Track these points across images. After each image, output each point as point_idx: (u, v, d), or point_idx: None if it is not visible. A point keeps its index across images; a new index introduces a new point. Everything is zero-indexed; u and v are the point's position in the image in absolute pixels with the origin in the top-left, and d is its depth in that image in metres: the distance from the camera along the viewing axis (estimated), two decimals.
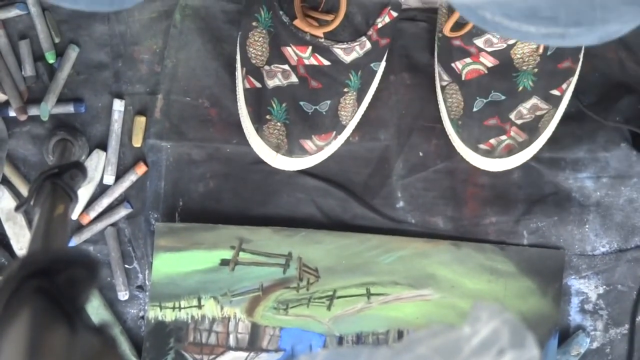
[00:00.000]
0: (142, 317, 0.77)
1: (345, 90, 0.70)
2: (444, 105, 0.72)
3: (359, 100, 0.72)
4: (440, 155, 0.75)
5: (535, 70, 0.69)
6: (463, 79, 0.70)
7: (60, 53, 0.76)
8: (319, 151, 0.72)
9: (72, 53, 0.76)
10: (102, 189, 0.77)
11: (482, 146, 0.70)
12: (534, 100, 0.69)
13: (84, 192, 0.76)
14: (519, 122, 0.69)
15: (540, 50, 0.68)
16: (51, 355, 0.37)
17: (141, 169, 0.76)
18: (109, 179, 0.77)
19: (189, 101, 0.76)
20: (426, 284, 0.74)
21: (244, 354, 0.75)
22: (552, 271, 0.74)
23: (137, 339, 0.77)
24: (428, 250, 0.74)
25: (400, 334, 0.74)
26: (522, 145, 0.70)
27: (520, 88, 0.69)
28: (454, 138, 0.72)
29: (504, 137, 0.70)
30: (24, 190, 0.76)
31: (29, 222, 0.77)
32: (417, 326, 0.74)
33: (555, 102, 0.70)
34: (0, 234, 0.77)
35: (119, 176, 0.77)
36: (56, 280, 0.42)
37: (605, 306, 0.75)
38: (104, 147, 0.77)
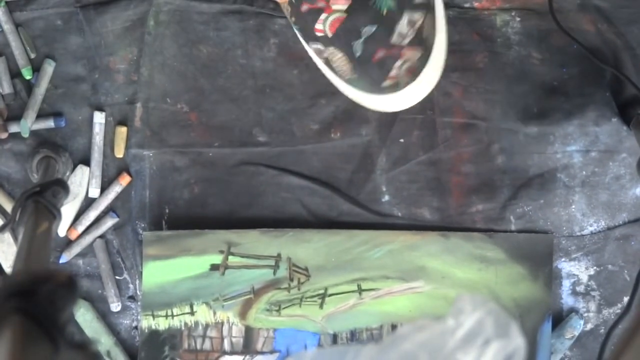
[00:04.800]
0: (136, 327, 0.77)
1: None
2: (335, 75, 0.69)
3: None
4: (422, 146, 0.75)
5: None
6: (330, 35, 0.66)
7: (36, 68, 0.76)
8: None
9: (49, 67, 0.76)
10: (88, 203, 0.77)
11: (385, 84, 0.66)
12: (406, 16, 0.65)
13: (71, 208, 0.76)
14: (405, 42, 0.65)
15: None
16: None
17: (125, 180, 0.76)
18: (94, 192, 0.77)
19: (168, 107, 0.76)
20: (417, 277, 0.74)
21: (240, 358, 0.75)
22: (542, 255, 0.73)
23: (132, 349, 0.77)
24: (416, 242, 0.74)
25: (393, 328, 0.74)
26: (422, 60, 0.66)
27: (385, 11, 0.65)
28: (359, 97, 0.69)
29: (399, 62, 0.65)
30: (9, 208, 0.76)
31: (17, 240, 0.76)
32: (410, 319, 0.73)
33: (425, 8, 0.66)
34: None
35: (103, 188, 0.77)
36: (35, 299, 0.42)
37: (597, 287, 0.75)
38: (86, 160, 0.76)
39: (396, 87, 0.66)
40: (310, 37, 0.68)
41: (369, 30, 0.65)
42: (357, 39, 0.66)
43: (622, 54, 0.73)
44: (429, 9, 0.67)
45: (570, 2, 0.73)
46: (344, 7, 0.65)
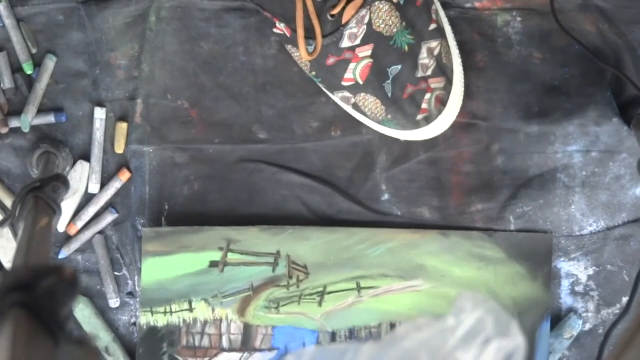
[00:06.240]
0: (134, 324, 0.77)
1: None
2: (366, 117, 0.72)
3: None
4: (423, 145, 0.75)
5: (403, 24, 0.67)
6: (361, 83, 0.69)
7: (37, 63, 0.76)
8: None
9: (50, 62, 0.76)
10: (87, 198, 0.77)
11: (419, 117, 0.69)
12: (424, 47, 0.68)
13: (70, 203, 0.76)
14: (428, 72, 0.69)
15: (393, 6, 0.67)
16: None
17: (125, 176, 0.76)
18: (93, 188, 0.77)
19: (168, 103, 0.76)
20: (416, 275, 0.74)
21: (238, 355, 0.75)
22: (541, 255, 0.73)
23: (130, 345, 0.77)
24: (416, 240, 0.74)
25: (392, 327, 0.74)
26: (447, 88, 0.69)
27: (406, 47, 0.68)
28: (397, 134, 0.72)
29: (428, 95, 0.69)
30: (8, 203, 0.76)
31: (16, 235, 0.76)
32: (409, 317, 0.73)
33: (439, 34, 0.69)
34: None
35: (103, 184, 0.77)
36: (35, 294, 0.42)
37: (595, 287, 0.75)
38: (87, 155, 0.76)
39: (429, 119, 0.69)
40: (336, 87, 0.70)
41: (395, 69, 0.68)
42: (385, 81, 0.68)
43: (623, 54, 0.73)
44: (442, 35, 0.70)
45: (571, 2, 0.73)
46: (369, 52, 0.67)
